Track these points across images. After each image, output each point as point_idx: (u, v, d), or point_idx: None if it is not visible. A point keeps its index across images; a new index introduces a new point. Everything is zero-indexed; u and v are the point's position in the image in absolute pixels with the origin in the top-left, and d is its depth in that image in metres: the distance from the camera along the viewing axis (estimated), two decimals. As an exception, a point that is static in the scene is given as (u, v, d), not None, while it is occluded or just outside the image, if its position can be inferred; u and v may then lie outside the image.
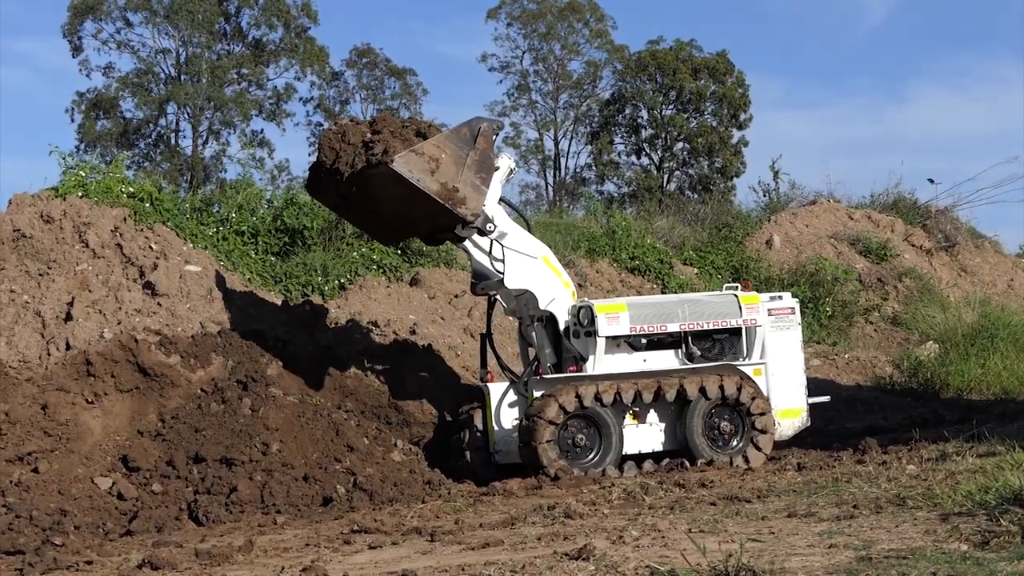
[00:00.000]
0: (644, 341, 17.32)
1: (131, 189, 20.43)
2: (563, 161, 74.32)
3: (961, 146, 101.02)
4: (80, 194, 19.69)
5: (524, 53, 73.66)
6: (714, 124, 68.71)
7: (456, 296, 20.17)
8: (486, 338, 17.43)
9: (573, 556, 8.28)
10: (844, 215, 30.76)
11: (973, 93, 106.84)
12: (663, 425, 16.79)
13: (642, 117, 70.67)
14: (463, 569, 8.32)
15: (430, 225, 16.35)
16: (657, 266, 24.67)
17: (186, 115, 66.95)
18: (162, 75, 66.96)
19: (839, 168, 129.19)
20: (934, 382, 21.81)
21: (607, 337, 16.73)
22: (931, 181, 45.72)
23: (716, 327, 17.35)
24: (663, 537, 8.84)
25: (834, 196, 32.00)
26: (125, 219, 19.43)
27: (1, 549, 12.52)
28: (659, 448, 16.71)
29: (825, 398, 17.80)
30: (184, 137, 67.14)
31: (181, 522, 13.70)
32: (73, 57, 66.68)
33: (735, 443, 16.47)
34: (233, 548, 9.97)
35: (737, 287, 18.45)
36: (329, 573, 8.64)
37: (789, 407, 17.10)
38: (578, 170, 73.90)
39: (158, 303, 17.96)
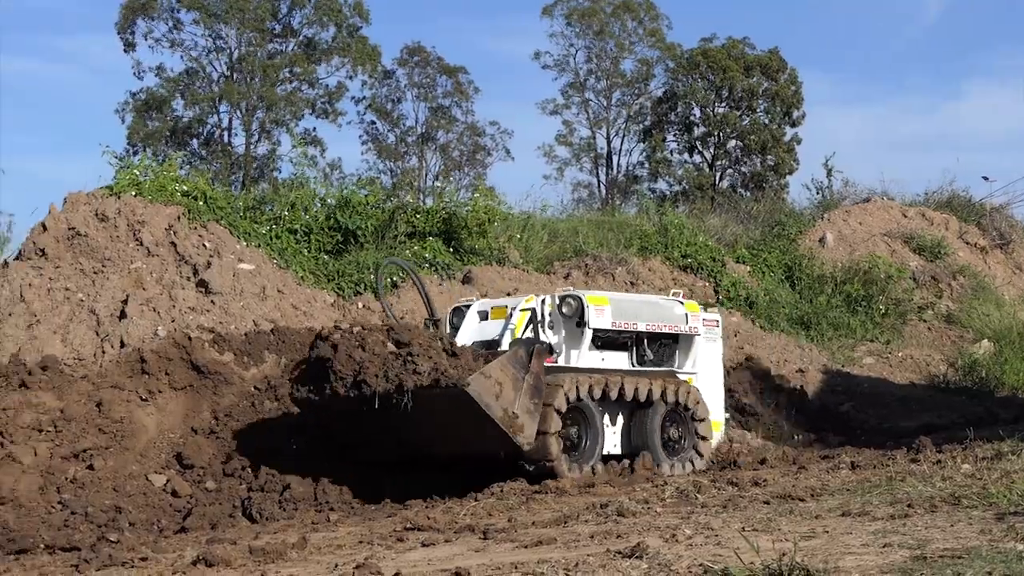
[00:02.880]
0: (601, 340, 16.55)
1: (185, 188, 20.54)
2: (615, 159, 74.05)
3: (1017, 143, 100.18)
4: (134, 193, 19.81)
5: (578, 51, 73.54)
6: (767, 122, 68.22)
7: (508, 294, 20.20)
8: None
9: (626, 554, 8.26)
10: (898, 213, 30.59)
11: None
12: (617, 427, 16.45)
13: (694, 115, 70.29)
14: (516, 567, 8.31)
15: (479, 447, 14.62)
16: (709, 264, 24.58)
17: (238, 114, 67.11)
18: (214, 74, 67.24)
19: (893, 166, 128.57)
20: (989, 380, 21.71)
21: (593, 330, 16.03)
22: (985, 179, 45.61)
23: (668, 331, 17.05)
24: (716, 535, 8.81)
25: (888, 194, 31.85)
26: (179, 217, 19.54)
27: (57, 545, 12.68)
28: (613, 451, 16.33)
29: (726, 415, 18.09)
30: (236, 136, 67.27)
31: (235, 519, 13.77)
32: (125, 53, 67.07)
33: (682, 449, 16.46)
34: (287, 545, 9.97)
35: (680, 294, 18.27)
36: (382, 570, 8.64)
37: (714, 419, 17.12)
38: (630, 168, 73.68)
39: (211, 301, 18.06)
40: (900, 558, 7.43)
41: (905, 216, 30.44)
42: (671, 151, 71.51)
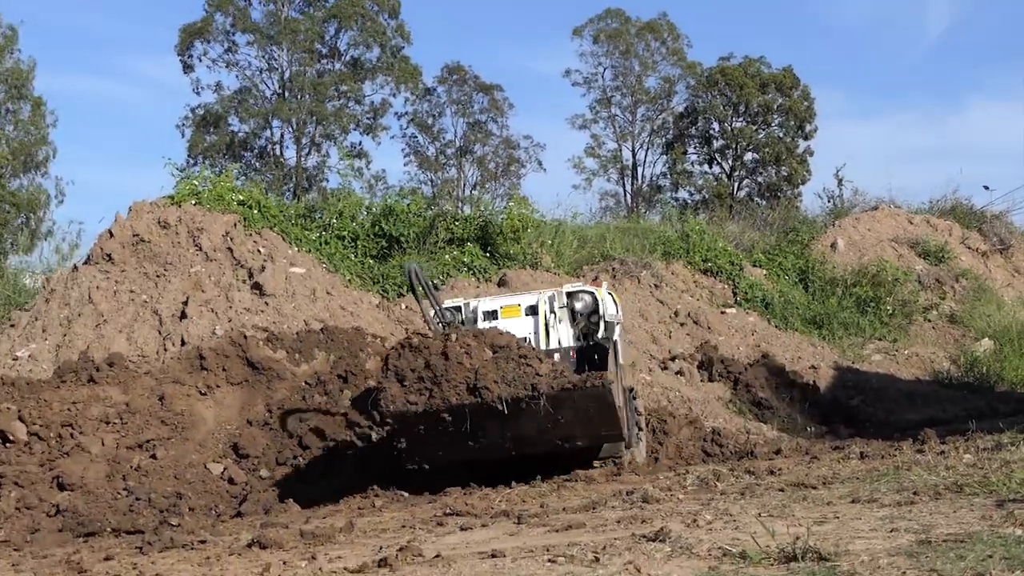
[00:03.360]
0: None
1: (240, 197, 20.65)
2: (640, 170, 73.96)
3: (1015, 154, 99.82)
4: (194, 202, 19.94)
5: (605, 69, 73.55)
6: (781, 135, 68.08)
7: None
8: None
9: (650, 538, 8.26)
10: (904, 220, 30.52)
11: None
12: None
13: (713, 129, 70.18)
14: (547, 549, 8.32)
15: (589, 442, 13.84)
16: (728, 268, 24.55)
17: (289, 129, 67.40)
18: (267, 92, 67.50)
19: (900, 176, 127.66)
20: (989, 377, 21.63)
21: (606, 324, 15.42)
22: (986, 188, 45.55)
23: (612, 321, 15.64)
24: (734, 521, 8.79)
25: (895, 202, 31.79)
26: (235, 225, 19.64)
27: (123, 529, 12.85)
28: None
29: None
30: (287, 149, 67.53)
31: (287, 505, 13.81)
32: (184, 73, 67.53)
33: (634, 434, 15.46)
34: (335, 529, 10.00)
35: (597, 278, 18.03)
36: (423, 552, 8.66)
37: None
38: (654, 178, 73.57)
39: (265, 302, 18.16)
40: (906, 542, 7.41)
41: (911, 223, 30.37)
42: (692, 163, 71.49)
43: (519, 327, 14.75)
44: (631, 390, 15.90)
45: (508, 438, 13.30)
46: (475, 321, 15.16)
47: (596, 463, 14.28)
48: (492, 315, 15.22)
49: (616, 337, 15.78)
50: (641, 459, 15.51)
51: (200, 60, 66.89)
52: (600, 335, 15.21)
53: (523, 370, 12.76)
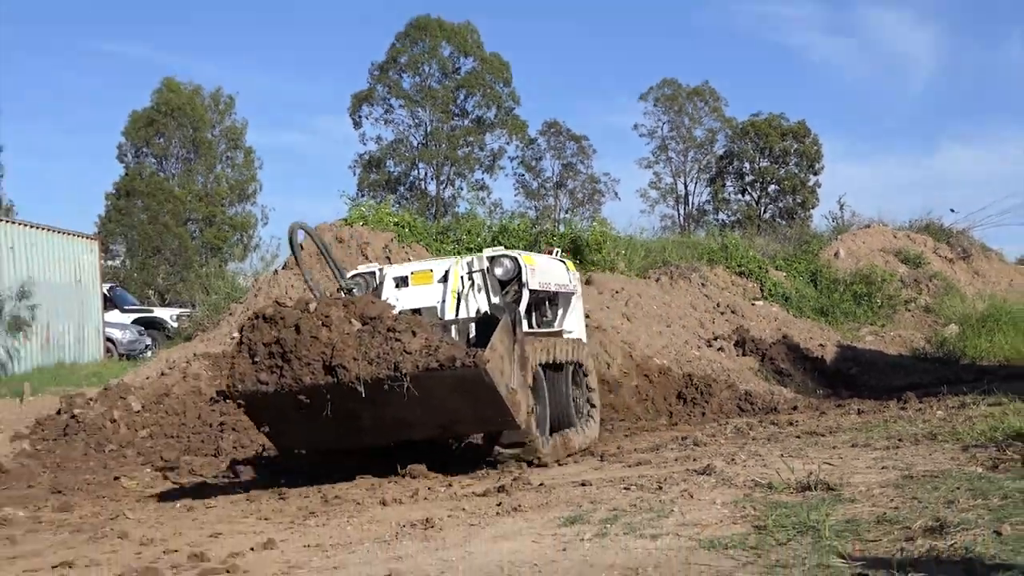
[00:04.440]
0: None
1: (395, 220, 20.88)
2: (690, 199, 73.86)
3: (976, 184, 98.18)
4: (361, 223, 20.17)
5: (663, 124, 73.61)
6: (796, 172, 68.18)
7: (616, 292, 20.10)
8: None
9: (700, 472, 8.24)
10: (890, 235, 30.06)
11: (985, 146, 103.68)
12: None
13: (745, 168, 70.29)
14: (623, 480, 8.33)
15: (472, 428, 9.81)
16: (757, 271, 24.32)
17: (431, 169, 68.14)
18: (414, 141, 68.23)
19: (886, 201, 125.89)
20: (955, 353, 21.28)
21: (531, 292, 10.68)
22: (952, 211, 44.72)
23: (564, 291, 12.00)
24: (763, 460, 8.75)
25: (883, 221, 31.27)
26: (392, 240, 19.82)
27: (302, 469, 10.63)
28: None
29: None
30: (429, 184, 68.27)
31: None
32: (354, 129, 68.71)
33: (583, 411, 11.77)
34: (466, 462, 10.04)
35: (558, 252, 13.14)
36: (531, 481, 8.71)
37: None
38: (700, 205, 73.31)
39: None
40: (893, 477, 7.35)
41: (895, 237, 29.93)
42: (729, 193, 71.65)
43: (430, 294, 10.43)
44: (580, 366, 11.74)
45: (384, 423, 9.00)
46: (383, 288, 10.66)
47: (502, 450, 9.67)
48: (403, 281, 10.69)
49: (572, 309, 12.17)
50: (587, 441, 11.41)
51: (366, 119, 67.95)
52: (523, 305, 10.31)
53: (390, 345, 8.54)
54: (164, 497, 9.71)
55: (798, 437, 10.52)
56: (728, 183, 71.97)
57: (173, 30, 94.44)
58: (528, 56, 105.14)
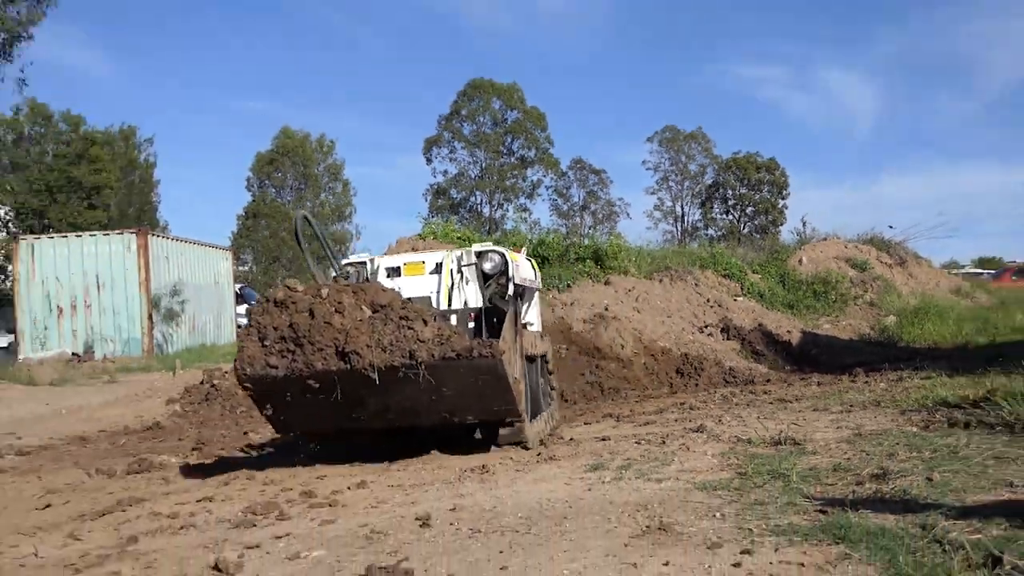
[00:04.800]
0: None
1: (458, 234, 20.87)
2: (686, 218, 73.63)
3: (909, 206, 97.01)
4: (432, 237, 20.18)
5: (665, 160, 73.42)
6: (768, 197, 67.90)
7: (629, 290, 20.00)
8: None
9: (694, 430, 8.20)
10: (842, 245, 29.64)
11: (917, 177, 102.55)
12: None
13: (729, 194, 70.04)
14: (635, 436, 8.30)
15: (480, 415, 7.52)
16: (738, 274, 24.02)
17: (485, 196, 68.29)
18: (472, 174, 68.48)
19: (840, 219, 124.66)
20: (894, 338, 21.01)
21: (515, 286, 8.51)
22: (891, 227, 44.21)
23: (530, 287, 9.43)
24: (743, 421, 8.68)
25: (837, 235, 30.84)
26: (450, 251, 19.85)
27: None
28: None
29: None
30: (484, 207, 68.44)
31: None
32: (427, 165, 69.43)
33: (546, 403, 9.36)
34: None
35: (524, 249, 10.97)
36: (563, 436, 8.71)
37: None
38: (694, 223, 73.08)
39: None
40: (846, 434, 7.28)
41: (846, 247, 29.52)
42: (716, 213, 71.35)
43: (422, 285, 8.50)
44: (545, 357, 9.58)
45: (390, 408, 7.28)
46: (376, 278, 8.58)
47: (501, 432, 7.77)
48: (395, 272, 8.66)
49: (533, 305, 9.77)
50: (554, 424, 9.51)
51: (435, 157, 68.34)
52: (506, 297, 8.27)
53: (403, 333, 6.90)
54: (281, 449, 9.80)
55: (771, 403, 10.44)
56: (715, 206, 71.69)
57: (290, 90, 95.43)
58: (560, 106, 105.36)
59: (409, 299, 7.38)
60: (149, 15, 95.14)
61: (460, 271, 8.53)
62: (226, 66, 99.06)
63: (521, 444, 7.89)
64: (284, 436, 9.18)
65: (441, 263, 8.51)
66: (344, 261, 8.84)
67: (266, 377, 7.01)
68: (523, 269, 9.05)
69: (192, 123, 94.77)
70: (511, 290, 8.36)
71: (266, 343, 7.04)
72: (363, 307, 7.02)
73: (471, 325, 8.06)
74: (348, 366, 6.83)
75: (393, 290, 7.39)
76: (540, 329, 10.18)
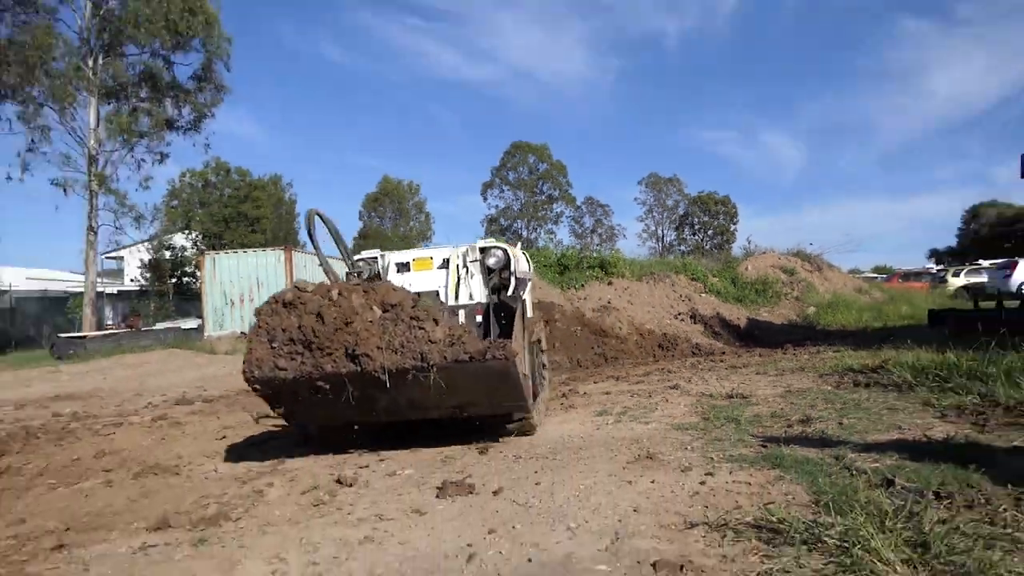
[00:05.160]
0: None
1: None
2: (665, 239, 73.09)
3: (824, 229, 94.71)
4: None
5: (650, 197, 72.87)
6: (724, 223, 67.23)
7: (625, 288, 19.79)
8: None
9: (671, 387, 8.10)
10: (776, 257, 29.03)
11: (830, 209, 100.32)
12: None
13: (696, 221, 69.41)
14: (629, 391, 8.22)
15: (489, 409, 5.20)
16: (702, 277, 23.67)
17: (524, 223, 68.29)
18: (515, 208, 68.47)
19: (776, 238, 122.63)
20: (814, 323, 20.58)
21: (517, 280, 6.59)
22: (811, 244, 43.43)
23: (524, 278, 6.99)
24: (706, 381, 8.55)
25: (774, 249, 30.23)
26: (456, 247, 19.45)
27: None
28: None
29: None
30: (522, 230, 68.46)
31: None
32: (483, 202, 69.27)
33: (540, 386, 6.88)
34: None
35: (518, 244, 8.17)
36: (578, 391, 8.66)
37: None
38: (670, 242, 72.43)
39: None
40: (780, 391, 7.13)
41: (780, 258, 28.88)
42: (686, 235, 70.61)
43: (431, 280, 6.45)
44: (538, 342, 7.31)
45: (401, 404, 5.06)
46: (387, 273, 6.51)
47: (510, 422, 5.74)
48: (405, 267, 6.53)
49: (526, 295, 7.04)
50: (548, 399, 7.29)
51: (489, 196, 68.36)
52: (511, 291, 6.33)
53: (414, 334, 4.80)
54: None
55: (726, 369, 10.27)
56: (686, 230, 70.80)
57: (391, 150, 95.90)
58: (577, 159, 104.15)
59: (418, 293, 5.40)
60: (293, 98, 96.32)
61: (466, 266, 6.49)
62: (348, 131, 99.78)
63: (527, 434, 5.86)
64: None
65: (448, 258, 6.52)
66: (356, 257, 6.63)
67: (275, 379, 4.88)
68: (522, 262, 7.20)
69: (322, 172, 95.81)
70: (513, 283, 6.42)
71: (274, 345, 4.93)
72: (374, 307, 4.95)
73: (479, 320, 6.14)
74: (358, 368, 4.77)
75: (404, 289, 5.24)
76: (531, 314, 7.85)
